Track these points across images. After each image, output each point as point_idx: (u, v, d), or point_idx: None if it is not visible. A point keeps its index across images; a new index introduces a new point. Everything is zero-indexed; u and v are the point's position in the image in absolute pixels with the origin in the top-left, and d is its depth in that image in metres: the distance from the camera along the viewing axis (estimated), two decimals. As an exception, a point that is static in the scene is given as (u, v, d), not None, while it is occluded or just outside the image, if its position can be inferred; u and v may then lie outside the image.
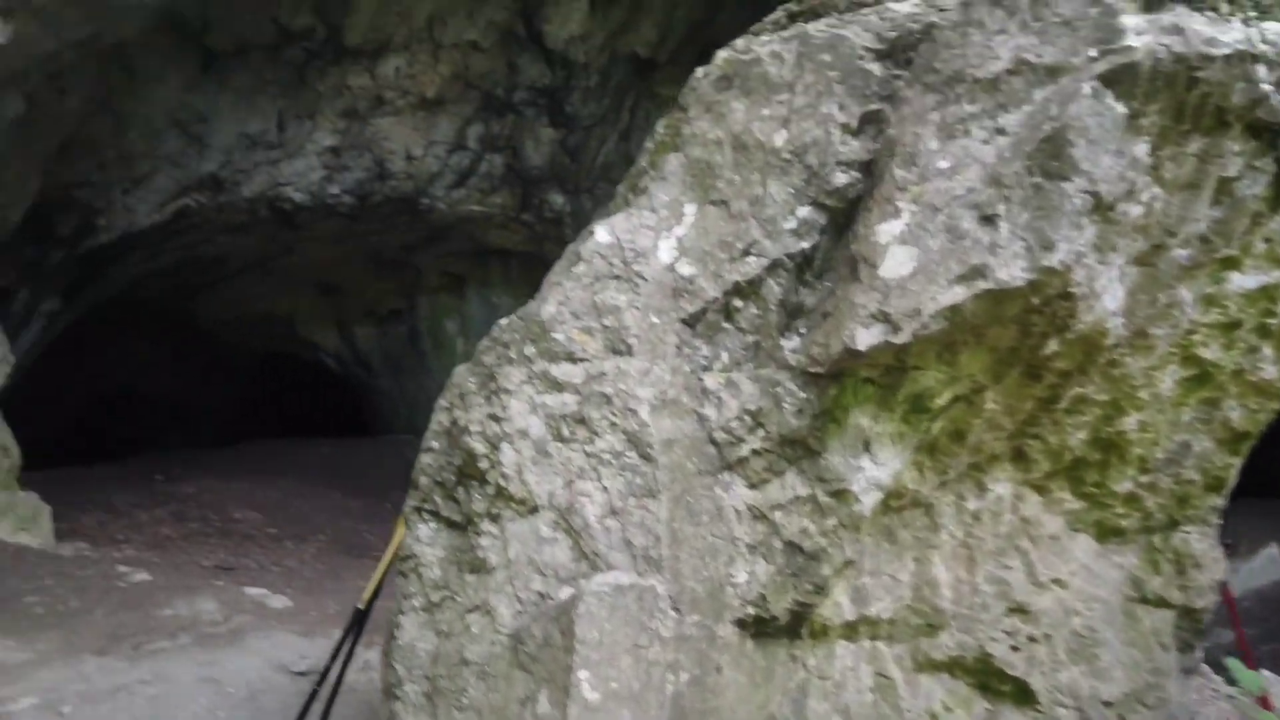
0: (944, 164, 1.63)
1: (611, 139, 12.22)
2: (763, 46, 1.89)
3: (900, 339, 1.62)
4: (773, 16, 2.07)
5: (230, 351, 16.74)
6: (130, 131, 8.62)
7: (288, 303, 14.72)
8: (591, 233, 1.81)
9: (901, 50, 1.79)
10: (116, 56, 7.91)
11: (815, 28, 1.88)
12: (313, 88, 9.88)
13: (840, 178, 1.79)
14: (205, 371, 17.80)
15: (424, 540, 1.91)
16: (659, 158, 2.15)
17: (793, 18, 2.00)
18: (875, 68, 1.78)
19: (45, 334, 10.45)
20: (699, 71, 2.08)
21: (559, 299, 1.74)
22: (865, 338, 1.63)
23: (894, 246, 1.62)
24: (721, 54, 2.20)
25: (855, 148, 1.76)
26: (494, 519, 1.74)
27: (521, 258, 14.15)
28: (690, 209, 1.81)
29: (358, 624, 2.65)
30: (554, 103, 11.50)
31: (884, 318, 1.62)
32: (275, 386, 18.70)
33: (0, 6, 2.75)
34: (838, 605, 1.70)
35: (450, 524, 1.88)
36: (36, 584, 4.28)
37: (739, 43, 2.01)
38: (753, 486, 1.71)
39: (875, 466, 1.68)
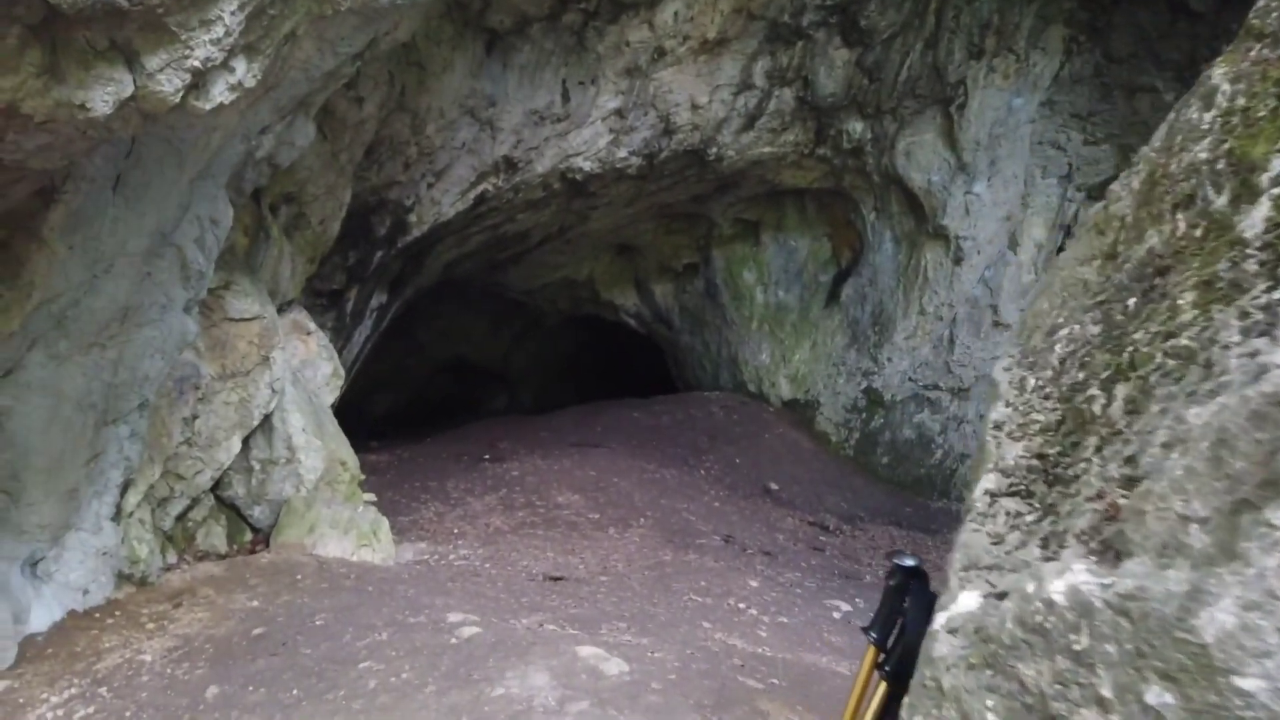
0: None
1: (916, 49, 10.57)
2: None
3: None
4: None
5: (541, 316, 17.15)
6: (427, 126, 8.50)
7: (587, 266, 14.63)
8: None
9: None
10: (404, 55, 7.71)
11: None
12: (593, 50, 9.27)
13: None
14: (520, 337, 18.44)
15: None
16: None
17: None
18: None
19: (376, 325, 10.94)
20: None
21: (1247, 594, 0.67)
22: None
23: None
24: None
25: None
26: None
27: (817, 195, 12.94)
28: None
29: None
30: (846, 18, 10.07)
31: None
32: (584, 346, 19.04)
33: (239, 44, 2.22)
34: None
35: None
36: (371, 638, 4.02)
37: None
38: None
39: None
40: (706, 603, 5.29)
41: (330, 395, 6.70)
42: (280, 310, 6.41)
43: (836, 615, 5.65)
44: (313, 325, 6.57)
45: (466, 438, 12.12)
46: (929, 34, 10.51)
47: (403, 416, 18.51)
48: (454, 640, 3.94)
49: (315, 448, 6.04)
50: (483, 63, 8.64)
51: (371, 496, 8.46)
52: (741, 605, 5.36)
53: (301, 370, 6.43)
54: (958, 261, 11.64)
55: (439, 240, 10.45)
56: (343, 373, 6.76)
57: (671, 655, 3.98)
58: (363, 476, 6.85)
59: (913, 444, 12.32)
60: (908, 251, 12.04)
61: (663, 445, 11.56)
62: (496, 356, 18.73)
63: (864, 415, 12.50)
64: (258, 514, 5.99)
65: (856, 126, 11.39)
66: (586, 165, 10.29)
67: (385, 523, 6.10)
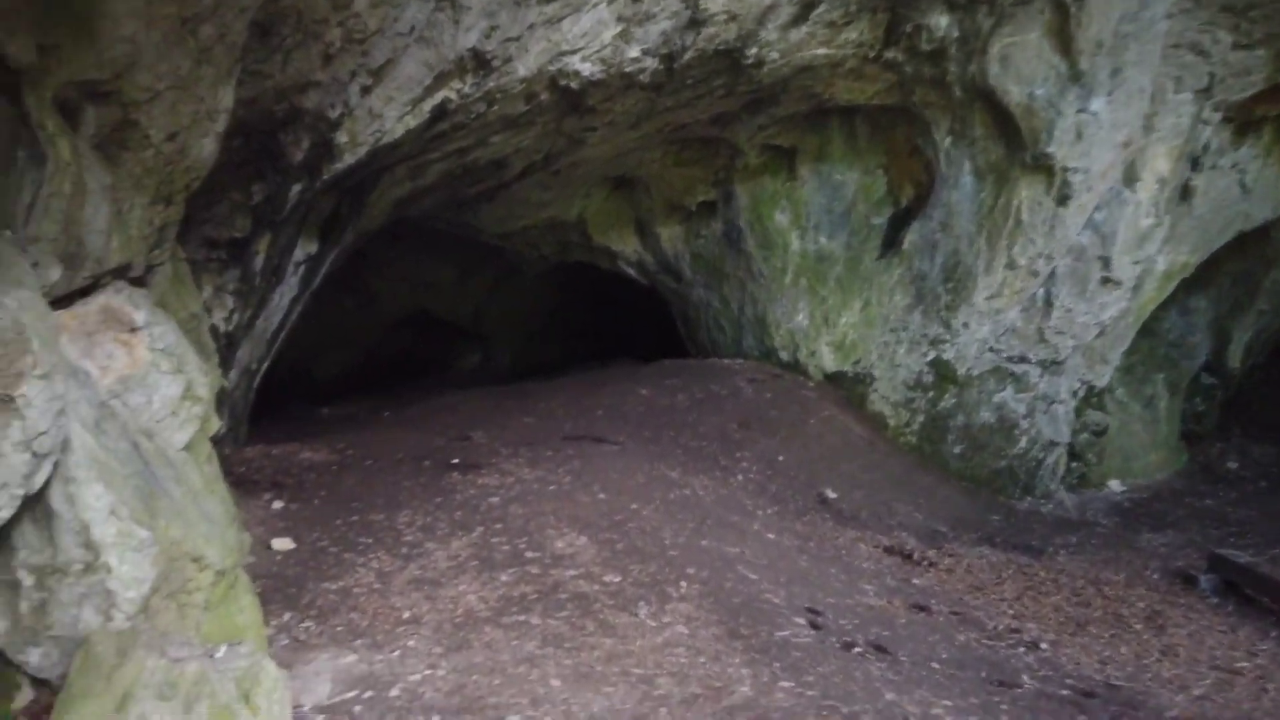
0: None
1: (1036, -90, 7.72)
2: None
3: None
4: None
5: (520, 264, 14.33)
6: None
7: (578, 205, 11.78)
8: None
9: None
10: None
11: None
12: (600, -111, 6.37)
13: None
14: (494, 288, 15.60)
15: None
16: None
17: None
18: None
19: (305, 283, 8.11)
20: None
21: None
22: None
23: None
24: None
25: None
26: None
27: (872, 115, 10.13)
28: None
29: None
30: None
31: None
32: (572, 298, 16.26)
33: None
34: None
35: None
36: None
37: None
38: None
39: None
40: None
41: (184, 432, 3.95)
42: (86, 291, 3.64)
43: None
44: (141, 315, 3.78)
45: (430, 420, 9.45)
46: (1054, -113, 7.65)
47: (357, 377, 15.69)
48: None
49: (136, 541, 3.32)
50: (438, -100, 5.71)
51: (288, 543, 5.78)
52: None
53: (123, 395, 3.69)
54: (1062, 201, 8.97)
55: (385, 169, 7.60)
56: (203, 391, 4.00)
57: None
58: (250, 558, 4.18)
59: (992, 429, 9.81)
60: (994, 188, 9.34)
61: (683, 437, 8.94)
62: (467, 310, 15.92)
63: (931, 394, 9.93)
64: (38, 660, 3.31)
65: (941, 21, 8.57)
66: (585, 68, 7.42)
67: (269, 670, 3.40)
